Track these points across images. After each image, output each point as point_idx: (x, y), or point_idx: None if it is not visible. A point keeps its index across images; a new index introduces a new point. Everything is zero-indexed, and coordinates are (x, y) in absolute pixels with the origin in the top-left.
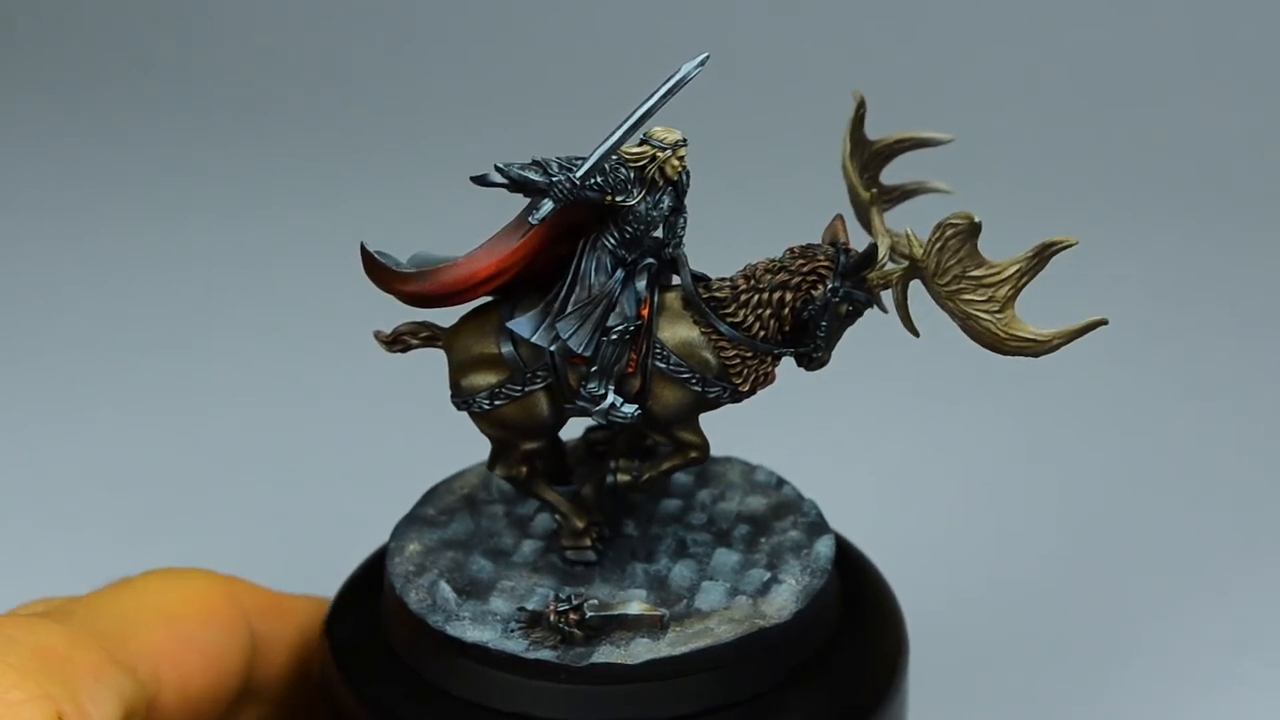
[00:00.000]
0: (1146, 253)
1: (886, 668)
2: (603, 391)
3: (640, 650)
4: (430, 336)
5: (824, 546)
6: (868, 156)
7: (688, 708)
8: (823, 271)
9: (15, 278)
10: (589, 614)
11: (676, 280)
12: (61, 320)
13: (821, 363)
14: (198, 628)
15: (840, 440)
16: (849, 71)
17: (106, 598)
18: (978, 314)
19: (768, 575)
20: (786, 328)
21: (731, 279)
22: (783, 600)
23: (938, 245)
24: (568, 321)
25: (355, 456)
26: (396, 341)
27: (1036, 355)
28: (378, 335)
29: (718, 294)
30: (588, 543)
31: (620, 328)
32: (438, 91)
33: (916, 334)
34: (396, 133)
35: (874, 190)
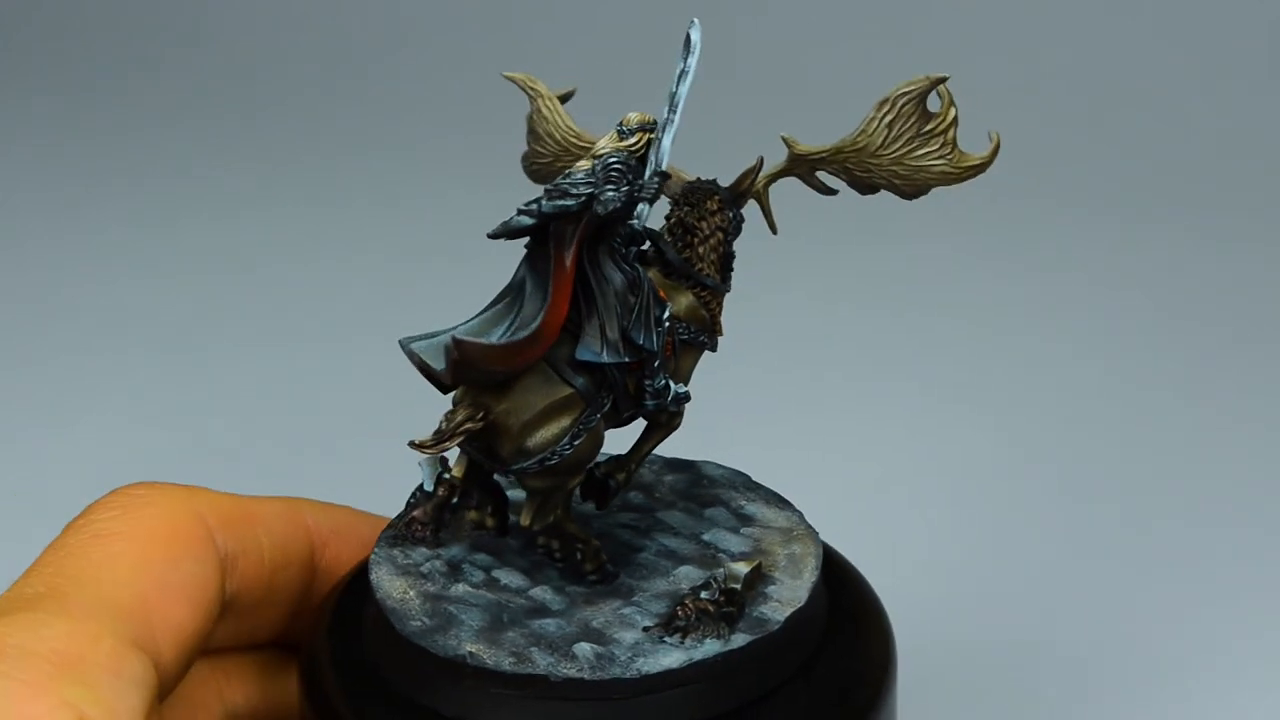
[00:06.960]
0: (1145, 254)
1: (874, 677)
2: (664, 381)
3: (793, 593)
4: (485, 415)
5: (712, 470)
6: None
7: (827, 616)
8: (719, 204)
9: (15, 278)
10: (737, 588)
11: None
12: (61, 320)
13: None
14: (174, 566)
15: (826, 448)
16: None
17: (77, 554)
18: (931, 163)
19: (726, 509)
20: (719, 265)
21: (680, 239)
22: (787, 515)
23: (889, 118)
24: (637, 328)
25: (354, 456)
26: (454, 436)
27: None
28: (420, 445)
29: (685, 256)
30: (604, 558)
31: (668, 315)
32: (436, 92)
33: (776, 230)
34: (395, 134)
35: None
